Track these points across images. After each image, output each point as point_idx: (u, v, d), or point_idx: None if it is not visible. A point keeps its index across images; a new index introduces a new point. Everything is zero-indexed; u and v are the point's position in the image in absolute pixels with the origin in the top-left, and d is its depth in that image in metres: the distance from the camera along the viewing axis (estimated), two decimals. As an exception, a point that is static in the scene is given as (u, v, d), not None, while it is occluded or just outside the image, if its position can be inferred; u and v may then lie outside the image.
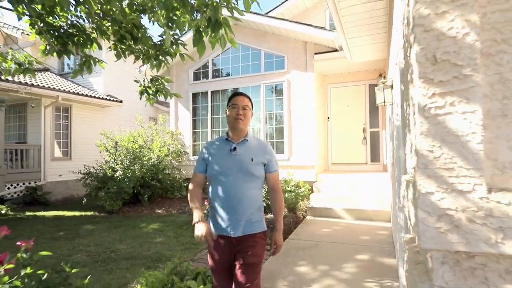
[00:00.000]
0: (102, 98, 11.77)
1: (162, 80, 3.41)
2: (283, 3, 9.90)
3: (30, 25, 2.60)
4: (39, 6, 2.24)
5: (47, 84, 10.38)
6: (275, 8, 9.95)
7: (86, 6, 2.16)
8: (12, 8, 2.19)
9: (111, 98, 12.13)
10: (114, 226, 6.16)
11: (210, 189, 2.01)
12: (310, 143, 7.42)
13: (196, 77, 9.18)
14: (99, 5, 2.22)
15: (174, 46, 2.89)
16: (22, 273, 1.65)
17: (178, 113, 9.32)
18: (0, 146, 9.06)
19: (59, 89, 10.33)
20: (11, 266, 1.67)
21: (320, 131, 8.07)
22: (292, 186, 6.39)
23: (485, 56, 0.82)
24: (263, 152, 2.00)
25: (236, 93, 2.05)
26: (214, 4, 1.88)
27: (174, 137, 9.07)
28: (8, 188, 9.23)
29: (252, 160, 1.93)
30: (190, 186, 2.05)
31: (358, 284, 3.08)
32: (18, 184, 9.51)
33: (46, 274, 1.66)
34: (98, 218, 7.12)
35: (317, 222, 5.74)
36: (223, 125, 8.73)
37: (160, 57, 2.91)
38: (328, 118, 8.62)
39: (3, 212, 7.61)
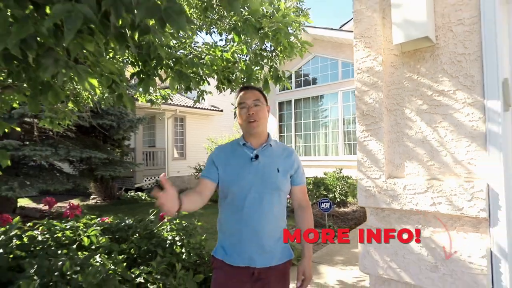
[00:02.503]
0: (207, 109, 14.09)
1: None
2: (362, 11, 10.16)
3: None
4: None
5: (170, 101, 13.13)
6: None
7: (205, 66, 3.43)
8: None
9: (214, 108, 14.38)
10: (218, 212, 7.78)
11: (222, 209, 1.58)
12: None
13: (282, 87, 10.32)
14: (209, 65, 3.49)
15: (256, 82, 4.03)
16: (173, 222, 2.99)
17: (266, 119, 10.64)
18: (140, 149, 12.02)
19: (177, 104, 12.94)
20: (170, 217, 3.04)
21: (399, 132, 8.17)
22: (366, 184, 6.88)
23: (389, 111, 1.60)
24: (290, 160, 1.58)
25: (242, 88, 1.60)
26: (275, 66, 2.90)
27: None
28: (145, 181, 12.13)
29: (278, 170, 1.51)
30: (192, 189, 1.55)
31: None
32: (150, 178, 12.38)
33: (185, 224, 2.97)
34: (206, 205, 8.94)
35: (388, 218, 6.13)
36: (305, 129, 9.62)
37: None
38: (409, 119, 8.59)
39: (143, 197, 10.24)
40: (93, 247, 2.35)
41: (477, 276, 1.29)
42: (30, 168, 6.38)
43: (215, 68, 2.93)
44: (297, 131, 9.82)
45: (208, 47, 3.05)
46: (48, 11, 1.20)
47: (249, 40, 2.75)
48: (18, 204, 7.84)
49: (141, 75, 2.44)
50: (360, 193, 1.65)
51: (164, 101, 4.80)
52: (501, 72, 1.29)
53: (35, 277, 1.70)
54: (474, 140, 1.35)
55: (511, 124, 1.33)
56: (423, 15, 1.35)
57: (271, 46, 2.92)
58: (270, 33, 2.75)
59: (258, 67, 2.93)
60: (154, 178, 12.43)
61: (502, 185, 1.26)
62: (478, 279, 1.29)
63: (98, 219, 2.97)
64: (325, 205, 5.22)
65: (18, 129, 3.68)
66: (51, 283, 1.76)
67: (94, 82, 1.37)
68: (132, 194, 10.40)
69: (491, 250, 1.28)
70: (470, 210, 1.31)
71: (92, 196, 10.10)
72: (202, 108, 13.80)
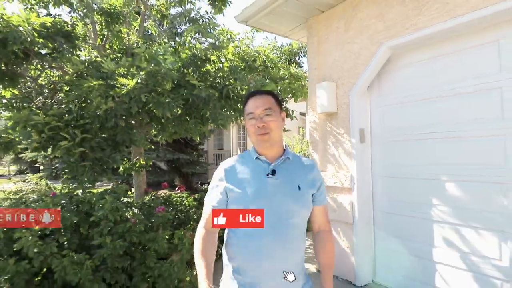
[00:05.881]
0: (264, 117, 16.23)
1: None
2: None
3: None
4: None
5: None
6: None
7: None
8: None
9: (270, 116, 16.45)
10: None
11: (230, 236, 1.23)
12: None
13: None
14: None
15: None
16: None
17: (312, 126, 12.27)
18: (211, 152, 14.73)
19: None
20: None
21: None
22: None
23: (321, 141, 3.33)
24: (312, 176, 1.26)
25: (250, 94, 1.26)
26: (287, 106, 4.73)
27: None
28: (215, 177, 14.78)
29: (299, 188, 1.19)
30: (201, 232, 1.21)
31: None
32: (219, 175, 14.99)
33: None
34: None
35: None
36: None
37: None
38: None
39: (214, 190, 12.80)
40: (190, 205, 4.52)
41: (348, 212, 2.99)
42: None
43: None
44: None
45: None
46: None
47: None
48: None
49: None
50: (311, 179, 3.43)
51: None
52: (357, 126, 2.96)
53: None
54: (349, 155, 3.04)
55: (366, 149, 2.98)
56: (326, 102, 3.09)
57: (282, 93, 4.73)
58: (283, 88, 4.60)
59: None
60: (222, 175, 15.04)
61: (355, 174, 2.94)
62: (348, 214, 2.99)
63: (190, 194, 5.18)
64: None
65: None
66: (176, 215, 3.93)
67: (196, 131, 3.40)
68: (205, 187, 13.02)
69: (352, 202, 2.97)
70: (346, 185, 3.01)
71: (177, 189, 13.01)
72: (260, 117, 15.99)
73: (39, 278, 2.23)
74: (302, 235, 1.21)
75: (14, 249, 1.99)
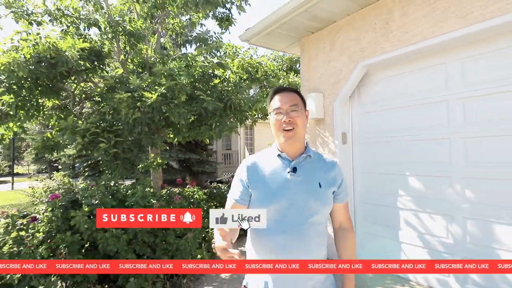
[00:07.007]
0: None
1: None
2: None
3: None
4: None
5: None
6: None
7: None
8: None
9: (277, 117, 17.03)
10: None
11: (251, 233, 1.23)
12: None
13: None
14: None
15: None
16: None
17: (316, 127, 12.81)
18: (220, 151, 15.40)
19: (247, 115, 16.01)
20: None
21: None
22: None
23: (311, 141, 3.90)
24: (333, 173, 1.24)
25: (277, 90, 1.27)
26: None
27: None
28: (224, 175, 15.43)
29: (320, 186, 1.18)
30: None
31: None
32: (227, 173, 15.64)
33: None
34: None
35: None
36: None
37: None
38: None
39: (222, 188, 13.45)
40: (200, 198, 5.15)
41: (332, 203, 3.55)
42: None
43: (257, 110, 5.48)
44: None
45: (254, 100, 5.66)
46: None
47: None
48: (145, 189, 11.75)
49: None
50: (303, 175, 4.01)
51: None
52: (340, 130, 3.52)
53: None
54: (333, 155, 3.59)
55: (347, 149, 3.54)
56: (314, 109, 3.66)
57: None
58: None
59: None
60: (230, 173, 15.69)
61: (338, 170, 3.49)
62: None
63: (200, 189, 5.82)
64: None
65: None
66: (189, 206, 4.56)
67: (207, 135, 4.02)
68: (214, 185, 13.66)
69: (336, 193, 3.53)
70: (330, 179, 3.57)
71: (187, 186, 13.71)
72: (266, 118, 16.60)
73: (84, 250, 2.88)
74: (323, 232, 1.21)
75: (70, 224, 2.64)
